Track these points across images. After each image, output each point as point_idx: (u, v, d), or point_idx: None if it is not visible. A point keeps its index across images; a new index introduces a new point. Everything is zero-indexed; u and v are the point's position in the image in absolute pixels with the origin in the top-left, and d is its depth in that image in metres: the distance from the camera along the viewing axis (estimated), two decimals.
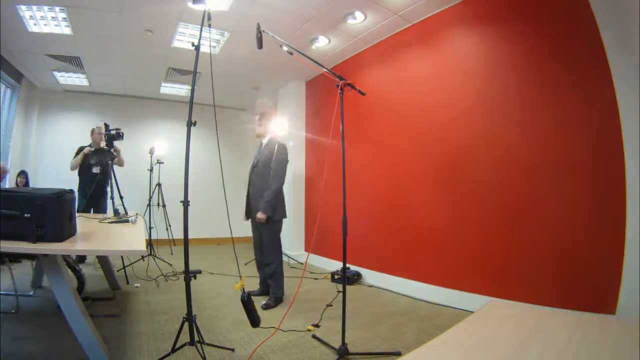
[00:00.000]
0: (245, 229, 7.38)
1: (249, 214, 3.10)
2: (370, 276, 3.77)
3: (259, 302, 2.92)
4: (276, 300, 2.91)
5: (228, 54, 4.25)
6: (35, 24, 3.53)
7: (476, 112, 2.89)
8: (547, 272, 2.37)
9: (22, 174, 4.64)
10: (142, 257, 4.30)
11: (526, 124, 2.56)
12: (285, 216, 3.07)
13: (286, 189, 5.27)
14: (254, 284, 3.49)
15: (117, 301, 2.86)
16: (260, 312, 2.63)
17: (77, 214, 1.91)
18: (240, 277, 2.08)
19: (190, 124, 1.85)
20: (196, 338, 1.82)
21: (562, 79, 2.38)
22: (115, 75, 5.11)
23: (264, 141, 3.12)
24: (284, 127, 5.18)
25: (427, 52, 3.38)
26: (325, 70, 2.15)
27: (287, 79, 5.32)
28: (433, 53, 3.31)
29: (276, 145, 3.00)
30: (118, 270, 3.50)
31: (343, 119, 2.09)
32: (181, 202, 1.86)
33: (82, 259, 3.94)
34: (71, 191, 1.78)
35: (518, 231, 2.55)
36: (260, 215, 2.88)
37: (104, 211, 3.97)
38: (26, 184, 4.61)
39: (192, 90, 1.96)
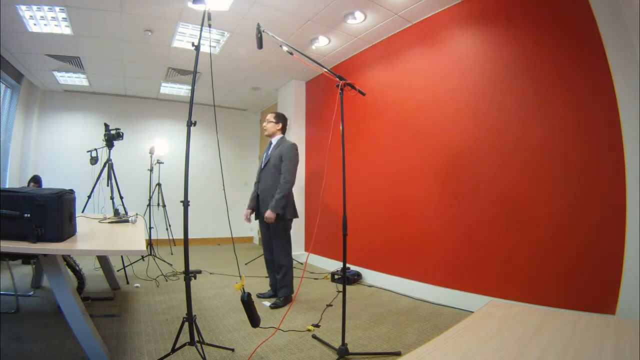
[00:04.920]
0: (245, 229, 7.42)
1: (258, 213, 3.08)
2: (370, 276, 3.77)
3: (260, 302, 2.93)
4: (285, 299, 2.90)
5: (228, 54, 4.25)
6: (35, 24, 3.53)
7: (477, 111, 2.89)
8: (547, 272, 2.37)
9: (36, 180, 4.45)
10: (142, 257, 4.30)
11: (527, 124, 2.56)
12: (296, 216, 3.06)
13: None
14: (255, 284, 3.50)
15: (117, 301, 2.86)
16: (264, 312, 2.64)
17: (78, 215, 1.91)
18: (240, 277, 2.08)
19: (190, 124, 1.85)
20: (196, 338, 1.82)
21: (562, 79, 2.38)
22: (115, 75, 5.11)
23: (274, 141, 3.12)
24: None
25: (427, 52, 3.38)
26: (325, 70, 2.15)
27: (287, 79, 5.32)
28: (433, 53, 3.31)
29: (287, 146, 3.01)
30: (118, 270, 3.50)
31: (343, 119, 2.09)
32: (181, 202, 1.86)
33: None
34: (71, 191, 1.78)
35: (518, 231, 2.55)
36: (269, 214, 2.83)
37: None
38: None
39: (192, 90, 1.96)
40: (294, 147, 3.02)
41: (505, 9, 2.75)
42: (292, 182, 2.95)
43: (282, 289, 2.93)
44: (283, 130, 3.16)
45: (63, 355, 1.84)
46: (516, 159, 2.60)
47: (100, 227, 2.36)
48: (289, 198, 2.97)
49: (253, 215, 3.13)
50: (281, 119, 3.15)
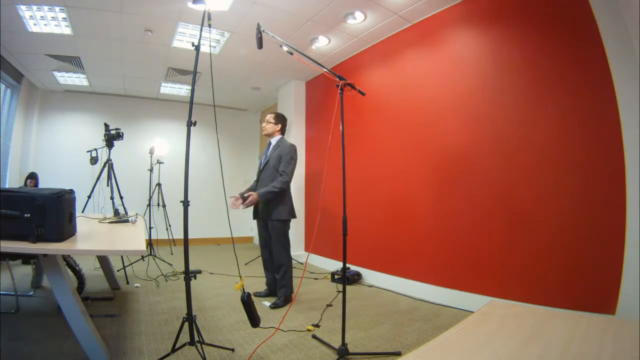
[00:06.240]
0: (245, 229, 7.42)
1: (257, 213, 3.07)
2: (370, 276, 3.77)
3: (260, 302, 2.92)
4: (285, 299, 2.90)
5: (228, 54, 4.25)
6: (35, 24, 3.52)
7: (477, 111, 2.89)
8: (547, 272, 2.37)
9: (32, 176, 4.56)
10: (142, 257, 4.30)
11: (526, 124, 2.56)
12: (294, 216, 3.06)
13: None
14: (254, 284, 3.50)
15: (117, 301, 2.86)
16: (263, 312, 2.64)
17: (78, 215, 1.91)
18: (240, 277, 2.08)
19: (190, 124, 1.85)
20: (196, 338, 1.82)
21: (562, 79, 2.38)
22: (115, 75, 5.11)
23: (273, 142, 3.13)
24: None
25: (427, 52, 3.38)
26: (325, 70, 2.15)
27: (287, 79, 5.32)
28: (433, 53, 3.31)
29: (287, 146, 3.03)
30: (118, 270, 3.50)
31: (343, 119, 2.09)
32: (181, 202, 1.86)
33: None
34: (71, 191, 1.78)
35: (518, 231, 2.55)
36: (254, 196, 2.81)
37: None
38: (35, 186, 4.54)
39: (192, 90, 1.96)
40: (293, 148, 3.02)
41: (505, 9, 2.75)
42: (289, 182, 2.96)
43: (281, 289, 2.93)
44: (282, 131, 3.17)
45: (63, 355, 1.84)
46: (516, 159, 2.60)
47: (100, 227, 2.36)
48: (285, 197, 2.98)
49: (242, 204, 2.95)
50: (280, 119, 3.15)
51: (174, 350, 1.79)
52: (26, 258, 2.58)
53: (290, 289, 2.96)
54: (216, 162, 4.96)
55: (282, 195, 2.96)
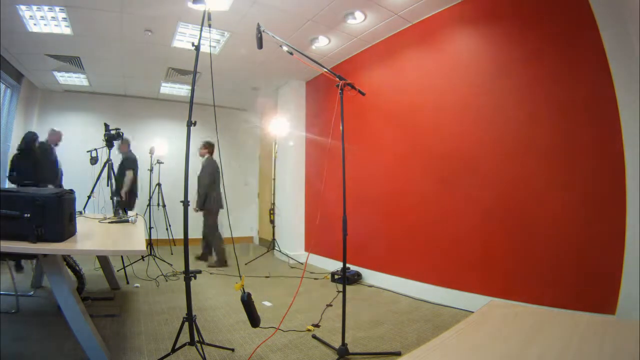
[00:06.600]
0: (245, 229, 7.39)
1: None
2: (370, 276, 3.77)
3: (260, 302, 2.92)
4: (219, 262, 4.29)
5: (228, 54, 4.25)
6: (35, 24, 3.52)
7: (476, 111, 2.89)
8: (547, 272, 2.37)
9: None
10: (142, 257, 4.30)
11: (526, 124, 2.56)
12: (221, 207, 4.41)
13: (286, 188, 5.27)
14: (254, 284, 3.51)
15: (117, 301, 2.86)
16: (264, 312, 2.63)
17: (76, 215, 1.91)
18: (240, 277, 2.08)
19: (190, 124, 1.85)
20: (196, 338, 1.82)
21: (562, 79, 2.38)
22: (115, 75, 5.11)
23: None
24: (284, 127, 5.20)
25: (427, 52, 3.38)
26: (325, 70, 2.15)
27: (287, 79, 5.32)
28: (433, 53, 3.31)
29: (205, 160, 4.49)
30: (118, 270, 3.50)
31: (343, 119, 2.09)
32: (181, 202, 1.86)
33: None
34: (71, 191, 1.78)
35: (519, 231, 2.55)
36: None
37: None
38: None
39: (192, 90, 1.96)
40: (207, 162, 4.49)
41: (505, 9, 2.75)
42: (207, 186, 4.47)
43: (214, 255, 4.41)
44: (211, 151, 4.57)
45: (63, 355, 1.84)
46: (516, 159, 2.60)
47: (100, 227, 2.36)
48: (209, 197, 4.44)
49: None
50: (207, 146, 4.58)
51: (174, 350, 1.80)
52: (26, 258, 2.58)
53: (220, 253, 4.44)
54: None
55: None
